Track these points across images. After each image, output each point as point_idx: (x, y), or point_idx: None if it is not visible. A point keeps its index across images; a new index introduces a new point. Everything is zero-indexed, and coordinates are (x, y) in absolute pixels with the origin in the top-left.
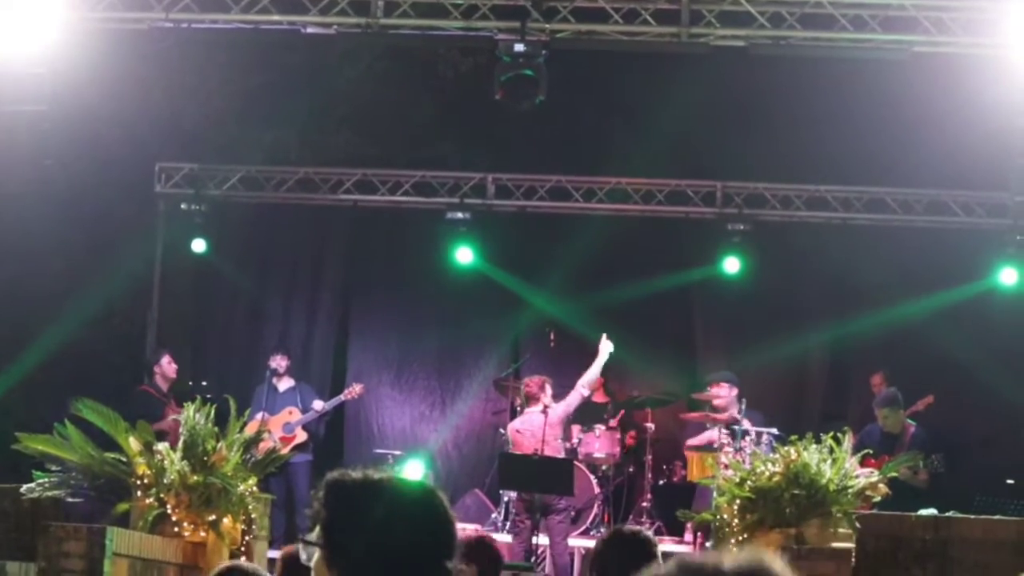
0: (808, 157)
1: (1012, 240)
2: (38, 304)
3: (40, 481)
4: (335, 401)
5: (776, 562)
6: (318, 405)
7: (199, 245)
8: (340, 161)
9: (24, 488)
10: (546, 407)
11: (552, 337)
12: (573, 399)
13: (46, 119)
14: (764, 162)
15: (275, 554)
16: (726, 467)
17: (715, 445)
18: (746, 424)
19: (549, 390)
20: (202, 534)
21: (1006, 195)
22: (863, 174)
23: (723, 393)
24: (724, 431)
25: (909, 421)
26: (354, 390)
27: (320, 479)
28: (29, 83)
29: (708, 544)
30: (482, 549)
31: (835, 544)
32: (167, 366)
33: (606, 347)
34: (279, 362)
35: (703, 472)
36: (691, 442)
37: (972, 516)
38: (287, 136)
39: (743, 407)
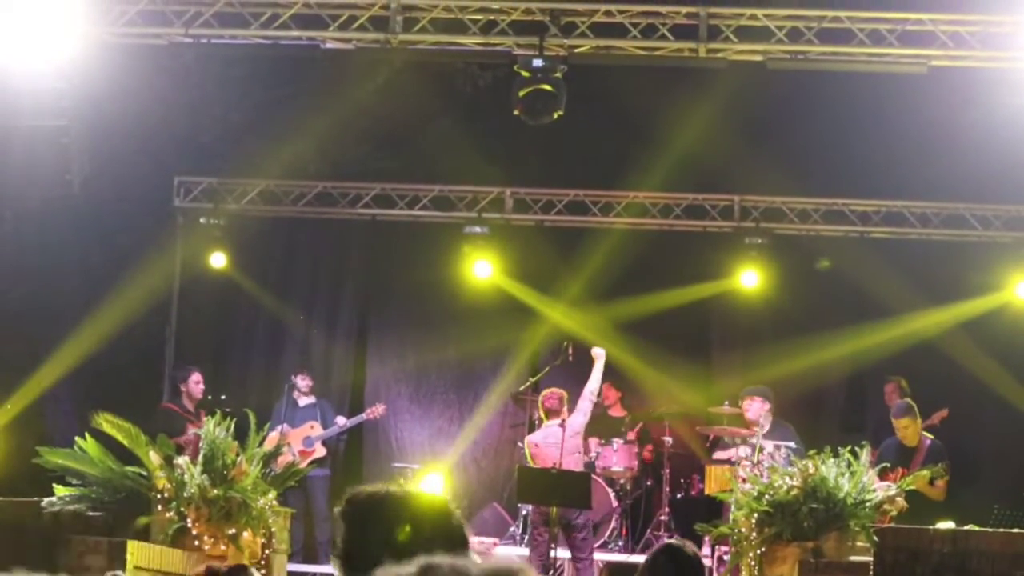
0: (826, 171)
1: None
2: (57, 318)
3: (61, 495)
4: (357, 419)
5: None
6: (341, 420)
7: (218, 259)
8: (358, 175)
9: (45, 502)
10: (563, 421)
11: (570, 351)
12: (585, 408)
13: (66, 133)
14: (782, 176)
15: (293, 567)
16: (744, 481)
17: (733, 460)
18: (767, 444)
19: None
20: (222, 547)
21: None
22: (881, 187)
23: (756, 407)
24: (745, 444)
25: (925, 433)
26: (377, 410)
27: (338, 493)
28: (50, 98)
29: (726, 558)
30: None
31: (853, 558)
32: (194, 386)
33: (600, 354)
34: (305, 381)
35: (721, 486)
36: (718, 456)
37: (990, 529)
38: (305, 150)
39: (768, 420)
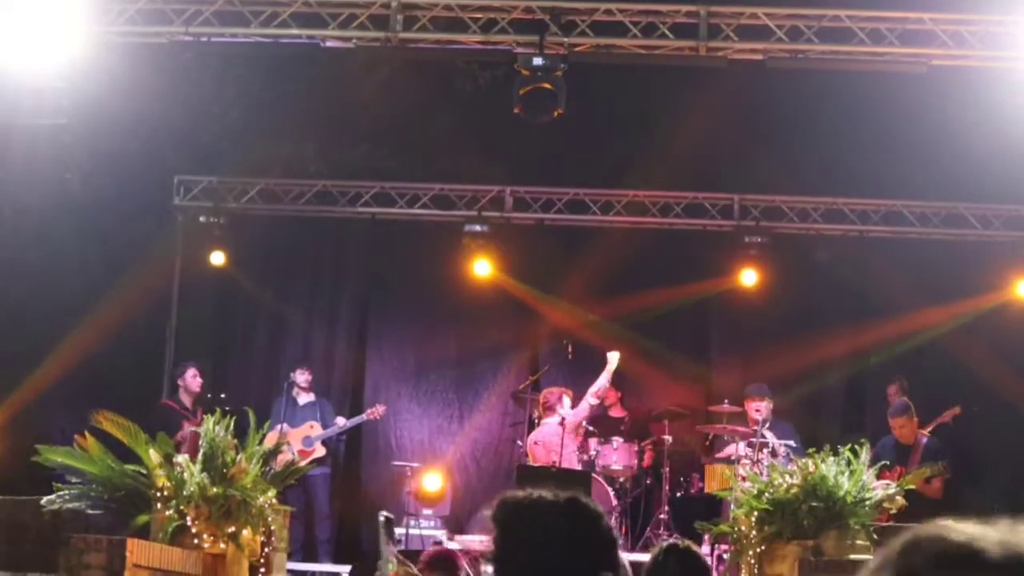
0: (825, 170)
1: None
2: (57, 317)
3: (60, 493)
4: (357, 420)
5: None
6: (340, 421)
7: (218, 258)
8: (358, 174)
9: (45, 500)
10: (564, 419)
11: (570, 349)
12: (582, 409)
13: (66, 132)
14: (781, 175)
15: (293, 566)
16: (744, 479)
17: (733, 458)
18: (770, 436)
19: (567, 401)
20: (222, 546)
21: (1023, 207)
22: (880, 186)
23: (764, 407)
24: (745, 443)
25: (921, 431)
26: (377, 410)
27: (338, 491)
28: (50, 96)
29: (726, 556)
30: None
31: (853, 556)
32: (191, 380)
33: (613, 357)
34: (303, 375)
35: (721, 484)
36: (719, 456)
37: None
38: (305, 149)
39: (769, 418)
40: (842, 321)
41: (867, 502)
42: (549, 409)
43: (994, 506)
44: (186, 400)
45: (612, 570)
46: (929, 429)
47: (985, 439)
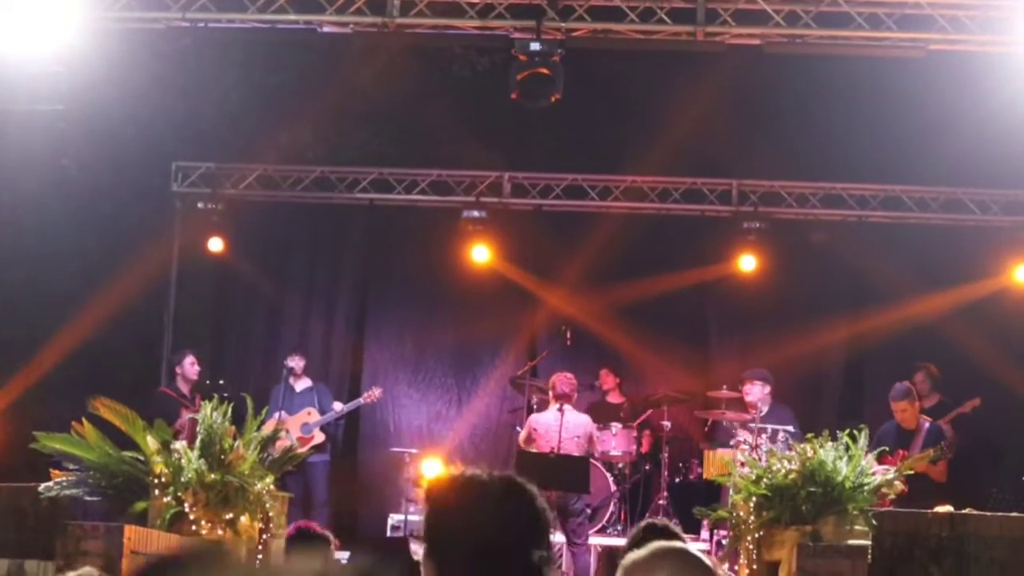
0: (824, 155)
1: None
2: (55, 303)
3: (58, 480)
4: (354, 404)
5: None
6: (337, 406)
7: (216, 244)
8: (356, 160)
9: (42, 487)
10: (562, 407)
11: (568, 335)
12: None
13: (63, 118)
14: (780, 160)
15: None
16: (742, 464)
17: (731, 443)
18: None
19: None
20: (220, 532)
21: (1022, 192)
22: (879, 172)
23: (756, 390)
24: (742, 428)
25: (924, 416)
26: (373, 394)
27: (337, 479)
28: (46, 82)
29: (725, 542)
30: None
31: (851, 541)
32: (189, 367)
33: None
34: (297, 362)
35: (720, 470)
36: (721, 451)
37: (988, 513)
38: (303, 135)
39: (768, 402)
40: (840, 306)
41: (865, 487)
42: (566, 398)
43: (994, 490)
44: (184, 388)
45: (544, 550)
46: (948, 419)
47: (985, 425)
